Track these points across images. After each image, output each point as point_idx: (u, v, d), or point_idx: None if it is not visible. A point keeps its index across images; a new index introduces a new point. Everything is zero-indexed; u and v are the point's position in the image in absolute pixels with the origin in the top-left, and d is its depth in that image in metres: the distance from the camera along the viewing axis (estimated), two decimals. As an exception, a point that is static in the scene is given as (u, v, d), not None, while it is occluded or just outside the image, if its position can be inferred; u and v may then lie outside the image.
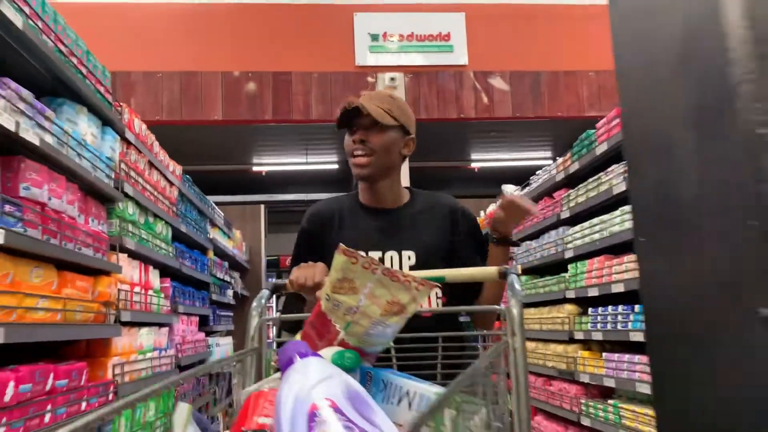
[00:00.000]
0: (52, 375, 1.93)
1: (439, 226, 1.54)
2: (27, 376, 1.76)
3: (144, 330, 2.95)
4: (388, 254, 1.49)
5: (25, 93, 1.85)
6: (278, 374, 0.86)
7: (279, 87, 6.44)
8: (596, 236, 3.39)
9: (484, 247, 1.54)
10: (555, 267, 4.12)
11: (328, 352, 0.90)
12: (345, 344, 0.93)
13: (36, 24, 1.92)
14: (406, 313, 0.93)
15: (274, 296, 1.34)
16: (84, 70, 2.35)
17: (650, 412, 2.84)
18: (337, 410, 0.68)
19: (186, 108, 6.34)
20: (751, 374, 0.95)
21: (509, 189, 5.17)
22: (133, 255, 2.89)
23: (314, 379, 0.72)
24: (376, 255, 1.49)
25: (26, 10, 1.87)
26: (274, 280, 1.37)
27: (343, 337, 0.94)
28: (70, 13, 4.87)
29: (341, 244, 0.96)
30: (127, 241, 2.74)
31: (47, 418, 1.88)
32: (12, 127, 1.70)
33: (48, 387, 1.91)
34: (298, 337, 1.03)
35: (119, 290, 2.61)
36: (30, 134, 1.82)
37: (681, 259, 1.08)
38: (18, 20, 1.77)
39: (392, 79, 6.44)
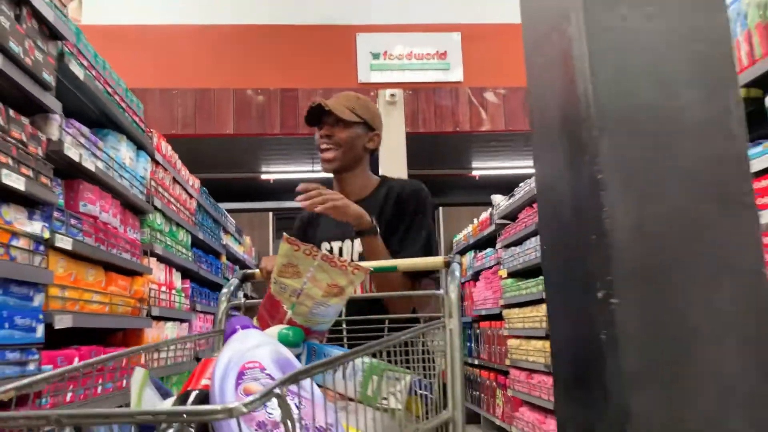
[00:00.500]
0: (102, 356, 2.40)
1: (388, 212, 1.59)
2: (86, 354, 2.23)
3: (169, 324, 3.43)
4: (346, 243, 1.60)
5: (85, 130, 2.34)
6: None
7: (286, 102, 6.92)
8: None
9: (412, 228, 1.57)
10: (536, 270, 4.56)
11: (275, 329, 1.02)
12: (292, 322, 1.05)
13: (91, 73, 2.40)
14: (345, 295, 1.06)
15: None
16: (124, 105, 2.84)
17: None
18: (262, 370, 0.77)
19: (200, 122, 6.83)
20: (609, 344, 1.38)
21: (498, 199, 5.62)
22: (160, 259, 3.37)
23: (249, 345, 0.83)
24: (335, 245, 1.61)
25: (85, 63, 2.36)
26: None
27: (290, 316, 1.05)
28: (95, 34, 5.51)
29: (285, 233, 1.10)
30: (156, 247, 3.22)
31: (99, 389, 2.36)
32: (77, 158, 2.18)
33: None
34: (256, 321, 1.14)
35: (150, 289, 3.09)
36: (88, 162, 2.31)
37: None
38: (80, 73, 2.25)
39: (392, 95, 6.90)
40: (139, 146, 3.06)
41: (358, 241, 1.57)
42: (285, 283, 1.06)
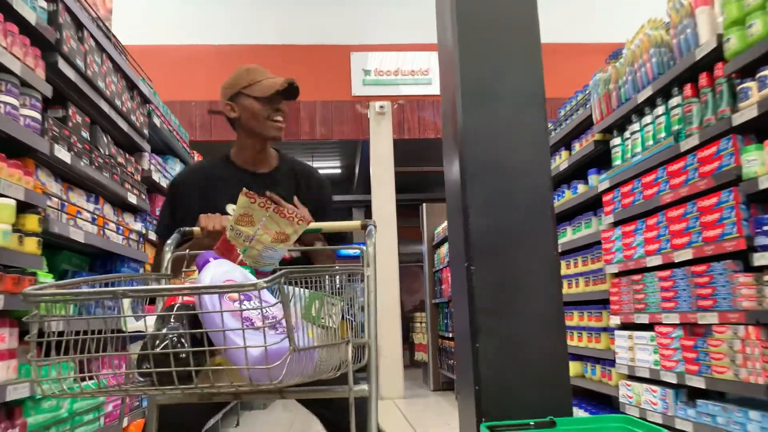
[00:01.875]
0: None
1: (298, 186, 1.77)
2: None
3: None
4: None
5: (159, 159, 3.48)
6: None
7: (289, 113, 8.05)
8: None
9: (326, 209, 1.78)
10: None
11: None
12: (243, 263, 1.22)
13: (161, 119, 3.55)
14: (289, 241, 1.25)
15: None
16: (177, 136, 3.98)
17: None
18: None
19: (214, 130, 7.96)
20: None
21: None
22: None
23: (224, 269, 1.11)
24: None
25: (159, 113, 3.50)
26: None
27: (242, 258, 1.23)
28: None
29: (245, 188, 1.24)
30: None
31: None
32: (157, 179, 3.33)
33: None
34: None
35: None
36: (161, 180, 3.46)
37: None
38: (157, 122, 3.40)
39: (381, 106, 8.01)
40: (185, 163, 4.20)
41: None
42: (240, 230, 1.24)
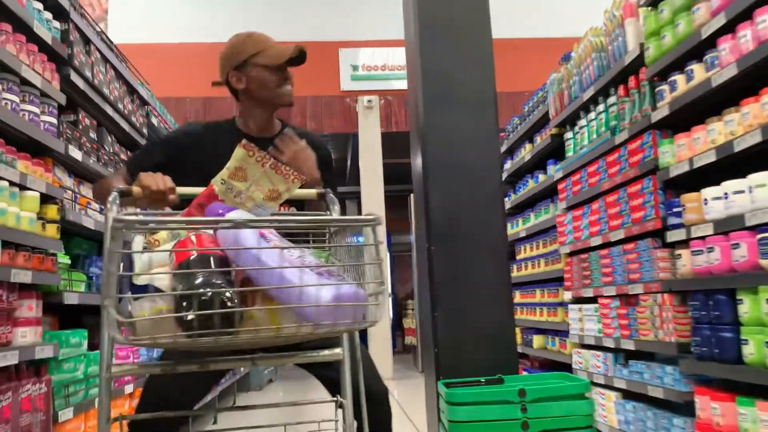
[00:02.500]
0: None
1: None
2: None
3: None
4: None
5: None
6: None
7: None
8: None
9: (329, 166, 1.80)
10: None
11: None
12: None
13: (158, 118, 3.90)
14: (280, 199, 1.22)
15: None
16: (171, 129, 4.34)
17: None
18: (276, 237, 1.08)
19: (209, 125, 8.32)
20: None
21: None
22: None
23: (243, 214, 1.13)
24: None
25: (156, 114, 3.85)
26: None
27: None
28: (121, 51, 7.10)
29: (244, 139, 1.19)
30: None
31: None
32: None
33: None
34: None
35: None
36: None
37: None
38: (155, 122, 3.75)
39: (369, 101, 8.35)
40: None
41: None
42: (233, 184, 1.18)
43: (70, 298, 2.44)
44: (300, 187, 1.30)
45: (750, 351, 2.01)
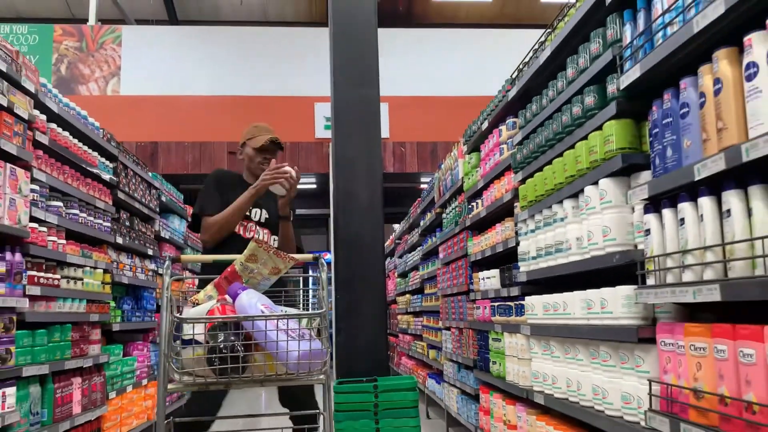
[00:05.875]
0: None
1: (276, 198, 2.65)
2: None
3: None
4: (255, 210, 2.70)
5: (165, 219, 5.58)
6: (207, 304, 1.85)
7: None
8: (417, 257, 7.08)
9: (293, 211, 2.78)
10: (407, 273, 7.81)
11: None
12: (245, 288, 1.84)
13: (165, 193, 5.65)
14: (279, 274, 1.90)
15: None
16: (174, 198, 6.08)
17: (424, 343, 6.55)
18: (270, 309, 1.69)
19: (203, 165, 10.03)
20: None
21: (396, 227, 8.86)
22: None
23: (256, 295, 1.76)
24: (259, 211, 2.71)
25: (165, 191, 5.60)
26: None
27: (245, 284, 1.87)
28: (131, 102, 9.19)
29: (255, 236, 2.28)
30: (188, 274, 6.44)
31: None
32: (163, 234, 5.44)
33: None
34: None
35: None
36: (166, 234, 5.56)
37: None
38: (164, 198, 5.51)
39: (338, 147, 10.02)
40: (182, 217, 6.30)
41: (264, 211, 2.74)
42: (248, 265, 1.85)
43: (114, 327, 4.19)
44: (281, 217, 2.61)
45: (496, 368, 3.74)
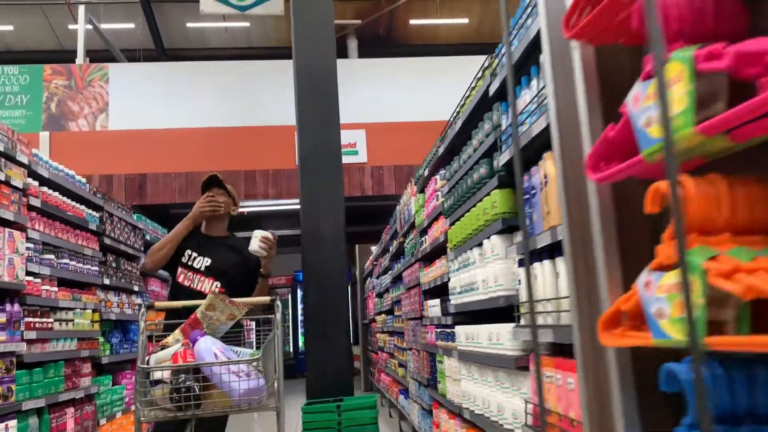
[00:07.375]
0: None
1: (233, 251, 3.08)
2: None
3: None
4: (200, 259, 2.97)
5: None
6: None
7: (248, 179, 10.64)
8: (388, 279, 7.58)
9: (255, 265, 3.05)
10: (383, 293, 8.30)
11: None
12: (206, 333, 2.31)
13: (149, 233, 6.15)
14: (235, 319, 2.38)
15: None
16: (159, 235, 6.58)
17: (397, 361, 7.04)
18: (223, 352, 2.29)
19: (190, 194, 10.51)
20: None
21: (373, 248, 9.37)
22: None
23: (212, 341, 2.31)
24: (197, 257, 2.96)
25: (150, 230, 6.10)
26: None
27: (205, 330, 2.32)
28: (120, 136, 9.70)
29: (215, 290, 2.71)
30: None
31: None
32: (149, 271, 5.96)
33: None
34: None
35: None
36: (151, 270, 6.08)
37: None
38: (148, 236, 6.01)
39: (318, 173, 10.54)
40: (166, 250, 6.80)
41: (207, 259, 3.00)
42: (207, 313, 2.33)
43: (104, 360, 4.67)
44: (262, 275, 3.05)
45: (441, 386, 4.23)
